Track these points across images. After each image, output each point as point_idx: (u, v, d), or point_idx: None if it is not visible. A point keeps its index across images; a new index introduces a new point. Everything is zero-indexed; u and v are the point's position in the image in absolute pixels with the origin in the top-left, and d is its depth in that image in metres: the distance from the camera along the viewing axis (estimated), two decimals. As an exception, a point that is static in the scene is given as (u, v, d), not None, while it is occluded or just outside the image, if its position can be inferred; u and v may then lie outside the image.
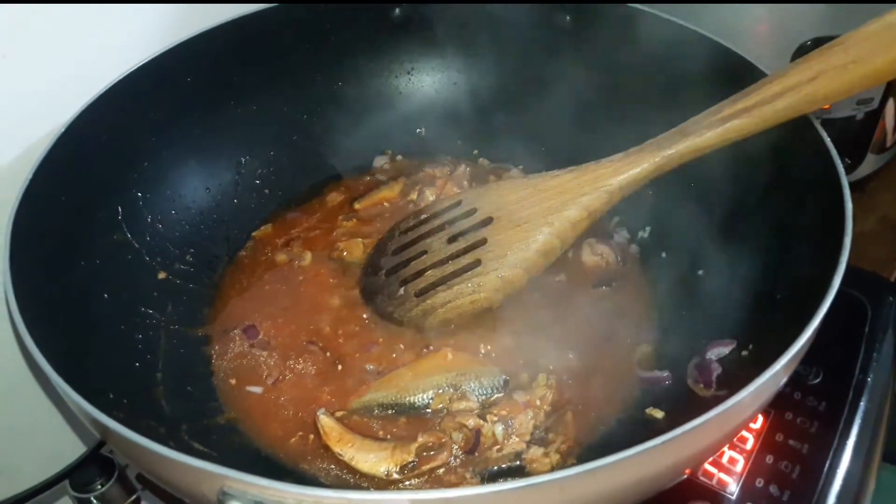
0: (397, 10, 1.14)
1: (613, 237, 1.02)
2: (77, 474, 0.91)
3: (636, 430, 0.79)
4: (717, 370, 0.80)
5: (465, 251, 0.89)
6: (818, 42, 1.01)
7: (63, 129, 0.87)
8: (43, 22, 0.90)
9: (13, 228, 0.76)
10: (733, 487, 0.81)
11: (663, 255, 0.99)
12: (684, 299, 0.91)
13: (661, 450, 0.58)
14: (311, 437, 0.82)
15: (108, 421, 0.62)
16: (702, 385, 0.80)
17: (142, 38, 1.00)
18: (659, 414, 0.80)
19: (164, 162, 1.00)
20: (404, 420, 0.83)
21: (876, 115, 1.13)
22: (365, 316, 0.94)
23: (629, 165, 0.84)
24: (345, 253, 1.02)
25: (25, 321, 0.68)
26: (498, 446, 0.78)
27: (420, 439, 0.77)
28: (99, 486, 0.90)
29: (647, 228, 1.02)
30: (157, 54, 0.98)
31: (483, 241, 0.88)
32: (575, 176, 0.86)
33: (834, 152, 0.79)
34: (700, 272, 0.93)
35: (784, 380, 0.68)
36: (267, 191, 1.10)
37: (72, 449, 1.00)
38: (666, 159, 0.82)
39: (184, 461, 0.59)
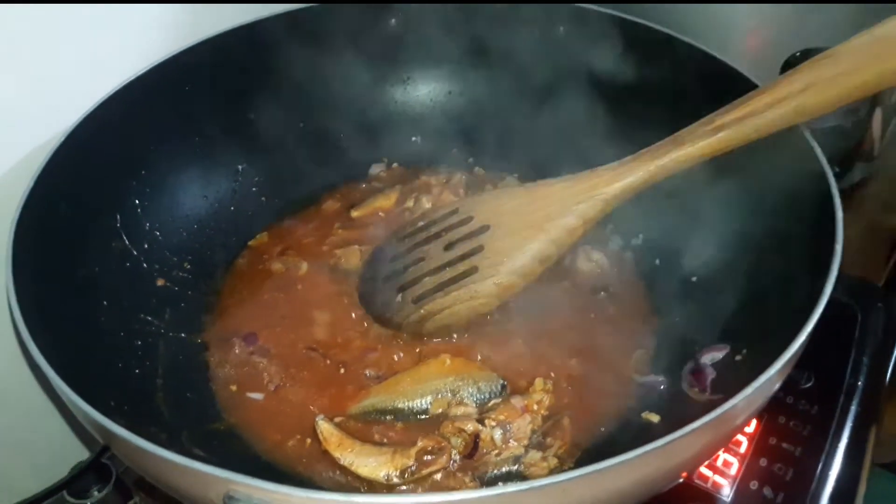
0: (393, 21, 1.15)
1: (608, 244, 1.03)
2: (74, 482, 0.92)
3: (632, 435, 0.81)
4: (711, 375, 0.82)
5: (462, 258, 0.89)
6: (806, 54, 1.03)
7: (63, 138, 0.88)
8: (41, 30, 0.90)
9: (15, 237, 0.77)
10: (728, 490, 0.83)
11: (657, 262, 1.00)
12: (678, 305, 0.93)
13: (662, 452, 0.59)
14: (309, 441, 0.83)
15: (116, 428, 0.63)
16: (696, 389, 0.82)
17: (140, 48, 1.01)
18: (655, 418, 0.81)
19: (163, 170, 1.01)
20: (402, 425, 0.84)
21: (863, 125, 1.15)
22: (364, 323, 0.95)
23: (624, 174, 0.85)
24: (342, 260, 1.02)
25: (29, 329, 0.68)
26: (496, 451, 0.79)
27: (419, 443, 0.78)
28: (95, 493, 0.91)
29: (640, 236, 1.03)
30: (155, 63, 0.99)
31: (480, 248, 0.89)
32: (570, 184, 0.87)
33: (824, 161, 0.81)
34: (693, 279, 0.94)
35: (777, 385, 0.70)
36: (264, 199, 1.11)
37: (66, 458, 0.99)
38: (660, 168, 0.83)
39: (191, 466, 0.59)
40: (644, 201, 0.97)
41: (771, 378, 0.63)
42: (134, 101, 0.96)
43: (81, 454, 0.99)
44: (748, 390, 0.61)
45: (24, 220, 0.79)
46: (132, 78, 0.96)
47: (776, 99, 0.78)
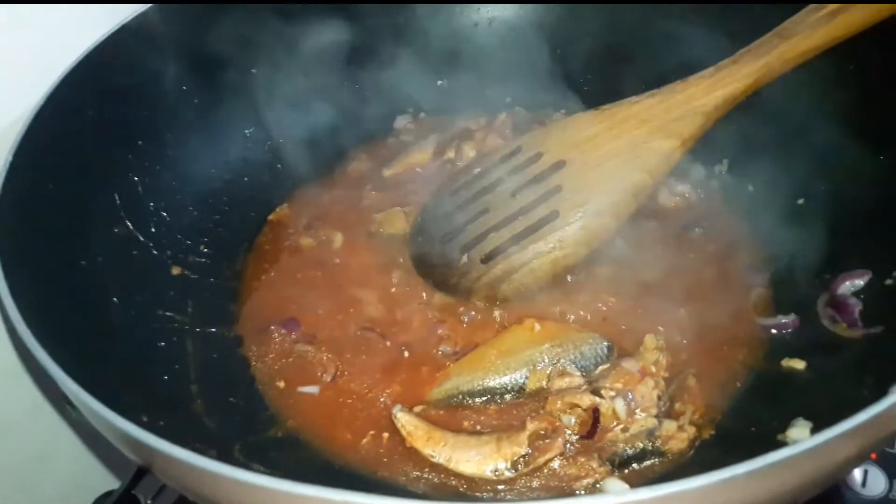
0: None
1: (689, 175, 0.89)
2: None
3: (777, 386, 0.68)
4: (857, 306, 0.69)
5: (537, 203, 0.75)
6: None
7: (39, 107, 0.73)
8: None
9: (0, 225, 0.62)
10: None
11: (750, 188, 0.87)
12: (789, 233, 0.79)
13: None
14: (386, 436, 0.69)
15: (161, 444, 0.49)
16: (845, 325, 0.69)
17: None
18: (799, 364, 0.68)
19: (161, 139, 0.86)
20: (495, 408, 0.70)
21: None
22: (423, 293, 0.80)
23: (724, 80, 0.72)
24: (383, 226, 0.88)
25: (38, 339, 0.54)
26: (621, 426, 0.65)
27: (530, 426, 0.64)
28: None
29: (725, 161, 0.90)
30: (138, 12, 0.83)
31: (557, 189, 0.75)
32: (660, 99, 0.74)
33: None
34: (800, 201, 0.81)
35: None
36: (280, 165, 0.96)
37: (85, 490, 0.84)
38: (767, 69, 0.71)
39: (261, 483, 0.47)
40: (723, 120, 0.84)
41: None
42: (117, 60, 0.81)
43: (102, 486, 0.83)
44: None
45: (5, 203, 0.64)
46: (112, 31, 0.81)
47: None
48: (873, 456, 0.71)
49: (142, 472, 0.74)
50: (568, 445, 0.65)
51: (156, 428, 0.60)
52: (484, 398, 0.70)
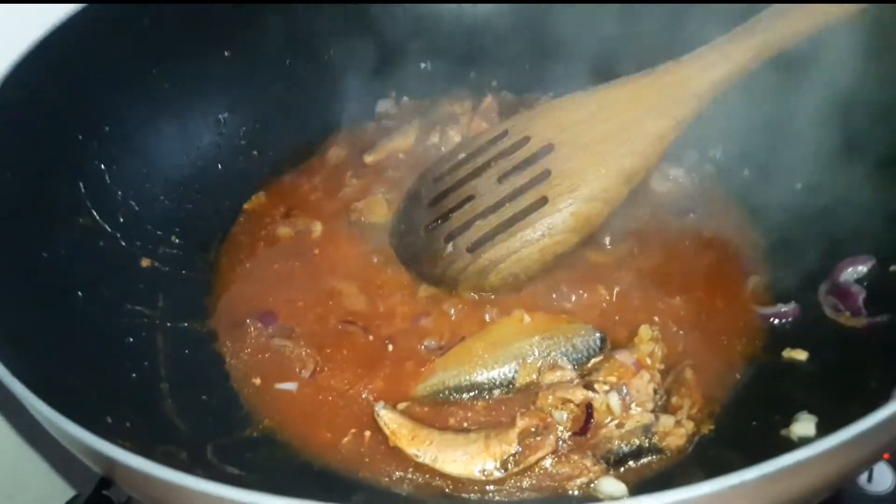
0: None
1: (682, 159, 0.86)
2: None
3: (778, 378, 0.65)
4: (861, 293, 0.66)
5: (525, 188, 0.72)
6: None
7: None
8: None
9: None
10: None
11: (745, 172, 0.84)
12: (787, 219, 0.77)
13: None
14: (368, 434, 0.66)
15: (118, 453, 0.46)
16: (848, 313, 0.66)
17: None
18: (801, 355, 0.65)
19: (129, 125, 0.82)
20: (483, 404, 0.67)
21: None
22: (406, 283, 0.77)
23: (720, 60, 0.69)
24: (364, 214, 0.84)
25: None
26: (616, 421, 0.61)
27: (520, 423, 0.60)
28: (98, 534, 0.72)
29: (720, 146, 0.87)
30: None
31: (546, 174, 0.71)
32: (652, 80, 0.71)
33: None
34: (798, 185, 0.78)
35: None
36: (255, 152, 0.92)
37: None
38: (765, 46, 0.68)
39: (244, 499, 0.42)
40: (717, 101, 0.81)
41: None
42: (82, 39, 0.77)
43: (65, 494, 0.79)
44: None
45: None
46: (75, 10, 0.76)
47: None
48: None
49: (106, 481, 0.70)
50: (560, 443, 0.61)
51: (120, 429, 0.57)
52: (471, 394, 0.67)
